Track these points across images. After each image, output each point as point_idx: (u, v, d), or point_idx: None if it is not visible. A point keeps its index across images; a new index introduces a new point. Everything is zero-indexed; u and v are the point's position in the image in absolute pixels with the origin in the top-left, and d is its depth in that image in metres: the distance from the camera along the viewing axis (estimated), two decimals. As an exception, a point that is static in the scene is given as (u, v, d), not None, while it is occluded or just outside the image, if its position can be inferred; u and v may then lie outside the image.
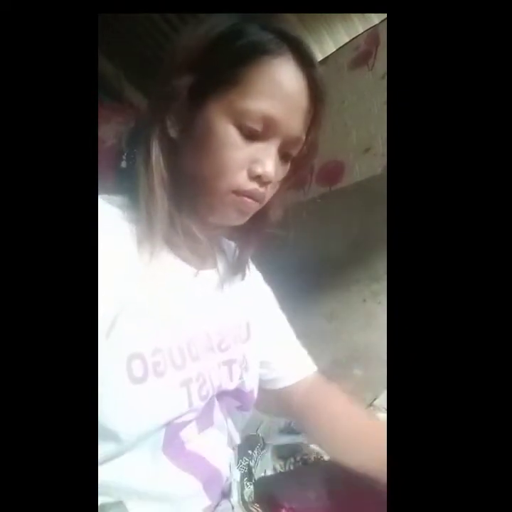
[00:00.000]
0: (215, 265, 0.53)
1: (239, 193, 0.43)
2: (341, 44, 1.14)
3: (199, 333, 0.47)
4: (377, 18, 1.07)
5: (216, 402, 0.48)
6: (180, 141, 0.44)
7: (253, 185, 0.43)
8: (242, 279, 0.56)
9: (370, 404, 0.89)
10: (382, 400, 0.87)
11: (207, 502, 0.46)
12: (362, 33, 1.09)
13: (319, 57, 1.20)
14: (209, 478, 0.46)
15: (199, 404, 0.44)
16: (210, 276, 0.52)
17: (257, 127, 0.42)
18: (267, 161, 0.43)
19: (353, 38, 1.11)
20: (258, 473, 0.62)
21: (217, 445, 0.49)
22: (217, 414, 0.49)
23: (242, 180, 0.43)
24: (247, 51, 0.41)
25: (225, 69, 0.41)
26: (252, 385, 0.53)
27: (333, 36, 1.18)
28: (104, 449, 0.38)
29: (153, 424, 0.41)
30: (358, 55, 1.05)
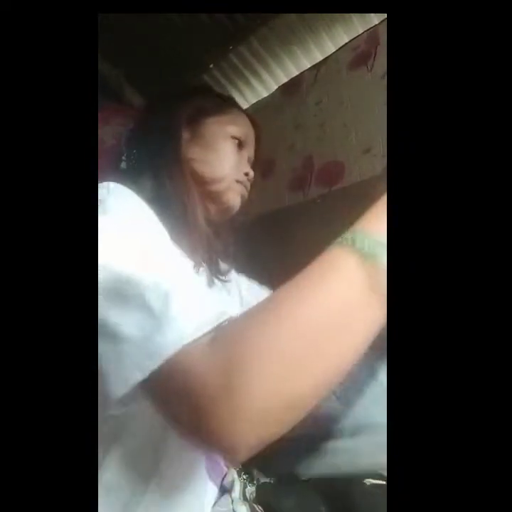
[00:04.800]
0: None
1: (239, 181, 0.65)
2: (341, 45, 1.14)
3: None
4: (376, 19, 1.07)
5: None
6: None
7: (244, 178, 0.67)
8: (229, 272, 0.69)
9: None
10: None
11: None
12: (361, 33, 1.09)
13: (319, 58, 1.20)
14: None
15: None
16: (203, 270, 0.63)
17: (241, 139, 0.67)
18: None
19: (353, 39, 1.11)
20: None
21: None
22: None
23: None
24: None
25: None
26: None
27: (333, 37, 1.18)
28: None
29: None
30: (358, 56, 1.05)
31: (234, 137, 0.66)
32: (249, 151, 0.70)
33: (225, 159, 0.64)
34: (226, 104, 0.69)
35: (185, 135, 0.63)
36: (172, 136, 0.61)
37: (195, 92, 0.71)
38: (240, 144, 0.67)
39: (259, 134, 0.73)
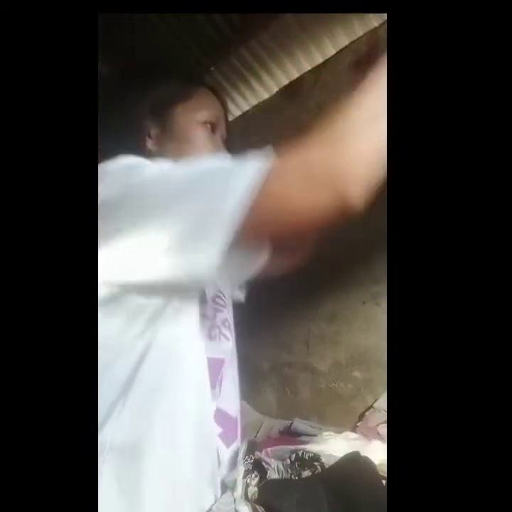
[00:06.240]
0: None
1: None
2: (341, 47, 1.14)
3: None
4: (376, 22, 1.08)
5: None
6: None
7: None
8: None
9: (370, 406, 0.89)
10: (382, 402, 0.87)
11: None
12: (362, 36, 1.09)
13: (319, 59, 1.20)
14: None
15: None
16: None
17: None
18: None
19: (353, 41, 1.11)
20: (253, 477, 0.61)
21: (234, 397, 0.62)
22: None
23: None
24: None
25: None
26: None
27: (333, 39, 1.18)
28: None
29: None
30: (358, 58, 1.06)
31: (205, 122, 0.62)
32: (221, 131, 0.67)
33: (200, 149, 0.60)
34: (191, 84, 0.66)
35: (154, 131, 0.60)
36: (136, 134, 0.58)
37: (156, 80, 0.67)
38: (213, 128, 0.64)
39: (226, 106, 0.70)
